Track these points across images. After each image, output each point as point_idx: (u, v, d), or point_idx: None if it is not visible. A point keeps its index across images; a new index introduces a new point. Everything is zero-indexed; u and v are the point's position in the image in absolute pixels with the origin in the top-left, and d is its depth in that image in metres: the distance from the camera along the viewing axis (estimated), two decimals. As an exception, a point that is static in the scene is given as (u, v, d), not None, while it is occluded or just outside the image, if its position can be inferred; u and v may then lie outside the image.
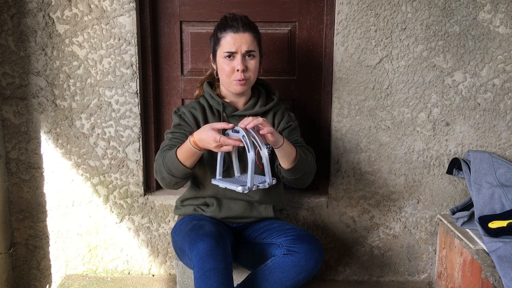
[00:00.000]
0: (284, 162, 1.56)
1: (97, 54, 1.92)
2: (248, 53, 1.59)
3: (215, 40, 1.62)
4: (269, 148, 1.70)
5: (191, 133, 1.63)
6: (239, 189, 1.45)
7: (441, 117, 1.99)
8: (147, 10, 1.95)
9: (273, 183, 1.51)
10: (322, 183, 2.12)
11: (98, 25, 1.89)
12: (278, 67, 2.04)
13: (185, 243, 1.53)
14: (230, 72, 1.59)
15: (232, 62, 1.59)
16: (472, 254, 1.73)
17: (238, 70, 1.58)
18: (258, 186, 1.48)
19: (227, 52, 1.58)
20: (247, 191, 1.45)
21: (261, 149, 1.43)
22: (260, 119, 1.42)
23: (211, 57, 1.68)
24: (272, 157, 1.72)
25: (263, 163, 1.48)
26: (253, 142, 1.43)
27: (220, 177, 1.58)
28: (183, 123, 1.66)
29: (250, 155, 1.40)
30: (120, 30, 1.90)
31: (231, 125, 1.43)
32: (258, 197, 1.69)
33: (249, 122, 1.42)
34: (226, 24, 1.59)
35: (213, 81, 1.74)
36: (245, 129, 1.42)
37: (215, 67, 1.67)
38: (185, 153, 1.50)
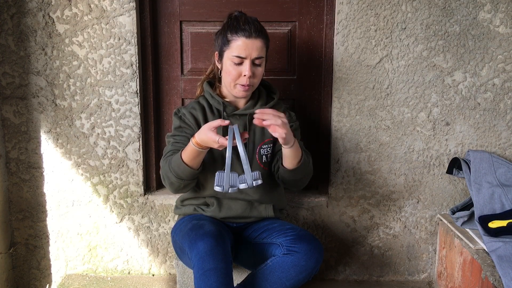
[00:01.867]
0: (289, 163, 1.57)
1: (97, 53, 1.92)
2: (257, 60, 1.58)
3: (224, 41, 1.59)
4: (269, 147, 1.70)
5: (192, 135, 1.63)
6: (216, 188, 1.45)
7: (441, 116, 1.99)
8: (147, 10, 1.95)
9: (255, 184, 1.45)
10: (322, 183, 2.12)
11: (98, 24, 1.89)
12: (278, 66, 2.04)
13: (185, 242, 1.53)
14: (236, 76, 1.58)
15: (239, 67, 1.57)
16: (472, 254, 1.73)
17: (245, 76, 1.57)
18: (238, 187, 1.46)
19: (237, 56, 1.56)
20: (222, 192, 1.45)
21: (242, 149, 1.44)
22: (282, 115, 1.45)
23: (216, 55, 1.66)
24: (272, 156, 1.72)
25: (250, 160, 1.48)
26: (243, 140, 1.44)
27: (223, 171, 1.52)
28: (183, 125, 1.66)
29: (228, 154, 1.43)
30: (120, 29, 1.90)
31: (226, 121, 1.44)
32: (257, 196, 1.68)
33: (269, 113, 1.44)
34: (238, 26, 1.56)
35: (213, 81, 1.74)
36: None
37: (219, 67, 1.65)
38: (190, 154, 1.50)
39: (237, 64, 1.57)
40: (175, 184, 1.58)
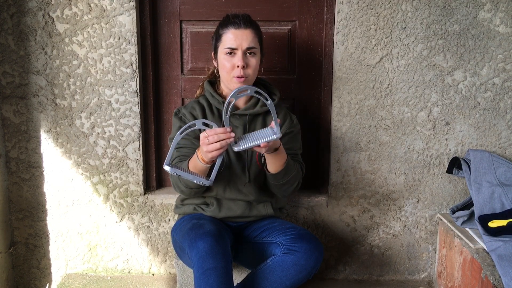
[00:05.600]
0: (271, 166, 1.56)
1: (97, 53, 1.92)
2: (249, 50, 1.59)
3: (217, 37, 1.63)
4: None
5: (194, 136, 1.63)
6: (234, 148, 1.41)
7: (441, 116, 1.99)
8: (147, 9, 1.95)
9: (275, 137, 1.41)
10: (322, 182, 2.12)
11: (98, 24, 1.89)
12: (278, 66, 2.04)
13: (185, 242, 1.53)
14: (230, 68, 1.59)
15: (232, 58, 1.59)
16: (472, 253, 1.73)
17: (238, 67, 1.58)
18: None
19: (228, 48, 1.58)
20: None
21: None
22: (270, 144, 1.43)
23: (212, 54, 1.68)
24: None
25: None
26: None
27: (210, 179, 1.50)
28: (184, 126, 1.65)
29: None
30: (120, 29, 1.90)
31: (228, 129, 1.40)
32: (255, 196, 1.68)
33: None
34: (228, 20, 1.60)
35: (214, 80, 1.74)
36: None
37: (216, 65, 1.67)
38: (198, 169, 1.48)
39: (230, 56, 1.59)
40: (186, 192, 1.61)
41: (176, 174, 1.44)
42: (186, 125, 1.40)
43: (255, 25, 1.62)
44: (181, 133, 1.40)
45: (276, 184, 1.62)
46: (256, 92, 1.41)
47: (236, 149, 1.40)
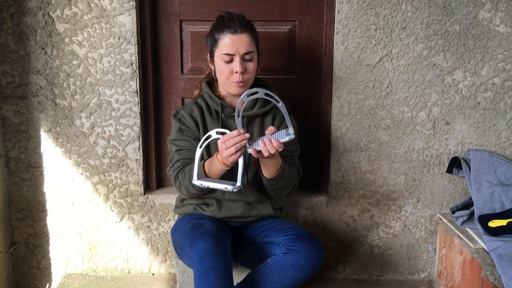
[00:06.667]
0: (266, 171, 1.56)
1: (97, 53, 1.92)
2: (246, 55, 1.57)
3: (212, 41, 1.60)
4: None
5: (194, 137, 1.63)
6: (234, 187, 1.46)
7: (441, 116, 1.99)
8: (147, 9, 1.95)
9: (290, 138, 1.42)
10: (322, 182, 2.12)
11: (98, 24, 1.89)
12: (278, 66, 2.04)
13: (185, 242, 1.53)
14: (228, 74, 1.58)
15: (230, 64, 1.57)
16: (472, 253, 1.73)
17: (236, 72, 1.57)
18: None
19: (225, 54, 1.56)
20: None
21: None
22: (280, 149, 1.43)
23: (208, 57, 1.67)
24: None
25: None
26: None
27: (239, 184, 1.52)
28: (184, 127, 1.65)
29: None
30: (120, 29, 1.90)
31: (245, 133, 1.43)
32: (254, 197, 1.68)
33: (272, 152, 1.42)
34: (224, 24, 1.57)
35: (212, 81, 1.74)
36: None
37: (212, 68, 1.66)
38: (217, 172, 1.51)
39: (228, 62, 1.57)
40: (195, 194, 1.61)
41: (205, 186, 1.48)
42: (204, 137, 1.47)
43: (251, 27, 1.60)
44: (200, 147, 1.47)
45: (271, 188, 1.62)
46: (266, 94, 1.41)
47: (250, 150, 1.43)
